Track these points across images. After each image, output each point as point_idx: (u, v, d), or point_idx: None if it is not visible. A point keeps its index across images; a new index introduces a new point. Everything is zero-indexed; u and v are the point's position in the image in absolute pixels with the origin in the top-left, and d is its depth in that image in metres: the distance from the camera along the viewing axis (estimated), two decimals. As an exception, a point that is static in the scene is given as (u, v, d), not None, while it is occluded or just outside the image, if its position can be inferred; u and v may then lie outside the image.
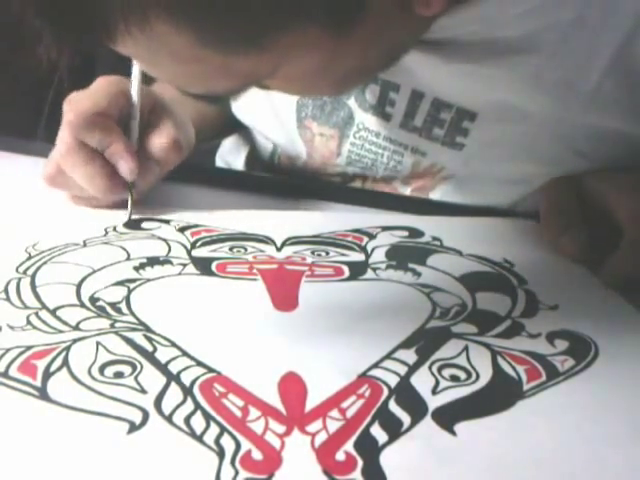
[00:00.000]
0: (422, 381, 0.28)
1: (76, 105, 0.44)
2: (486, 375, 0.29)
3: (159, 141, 0.45)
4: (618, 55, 0.43)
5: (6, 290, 0.33)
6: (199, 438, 0.24)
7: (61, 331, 0.30)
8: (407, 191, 0.54)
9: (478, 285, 0.38)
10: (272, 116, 0.57)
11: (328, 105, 0.53)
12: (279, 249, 0.41)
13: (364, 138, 0.52)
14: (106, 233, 0.41)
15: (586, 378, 0.30)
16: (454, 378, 0.29)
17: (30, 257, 0.37)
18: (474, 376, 0.29)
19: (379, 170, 0.53)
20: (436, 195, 0.53)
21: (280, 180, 0.57)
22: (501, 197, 0.51)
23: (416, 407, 0.27)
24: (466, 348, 0.31)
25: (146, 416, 0.25)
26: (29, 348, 0.29)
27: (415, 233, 0.45)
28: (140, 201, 0.46)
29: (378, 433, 0.25)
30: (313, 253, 0.41)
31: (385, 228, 0.45)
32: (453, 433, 0.25)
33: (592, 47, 0.43)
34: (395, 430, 0.25)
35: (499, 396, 0.28)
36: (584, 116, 0.46)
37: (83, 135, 0.43)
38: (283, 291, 0.36)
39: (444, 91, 0.48)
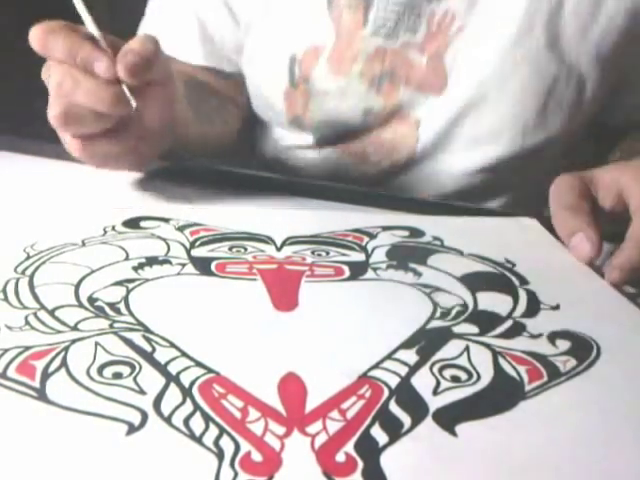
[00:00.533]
0: (423, 382, 0.28)
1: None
2: (487, 376, 0.29)
3: (131, 43, 0.43)
4: None
5: (4, 290, 0.33)
6: (198, 439, 0.24)
7: (60, 331, 0.30)
8: (424, 61, 0.60)
9: (479, 285, 0.38)
10: (298, 11, 0.62)
11: None
12: (279, 249, 0.41)
13: (387, 0, 0.59)
14: (105, 233, 0.41)
15: (588, 378, 0.30)
16: (455, 379, 0.29)
17: (29, 257, 0.37)
18: (475, 377, 0.29)
19: (399, 33, 0.59)
20: (450, 56, 0.59)
21: (280, 180, 0.57)
22: (506, 57, 0.57)
23: (417, 408, 0.27)
24: (467, 348, 0.31)
25: (145, 417, 0.25)
26: (27, 349, 0.28)
27: (416, 233, 0.45)
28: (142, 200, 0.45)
29: (378, 434, 0.25)
30: (313, 253, 0.41)
31: (385, 228, 0.45)
32: (454, 434, 0.25)
33: None
34: (396, 431, 0.25)
35: (501, 397, 0.28)
36: None
37: (50, 48, 0.42)
38: (283, 291, 0.36)
39: None
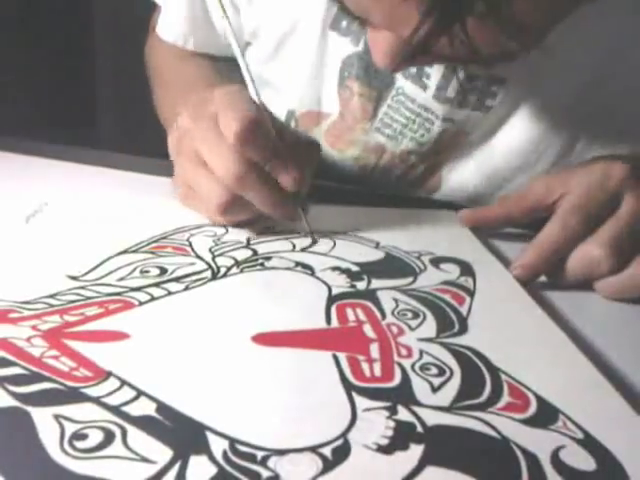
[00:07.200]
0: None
1: (236, 114, 0.39)
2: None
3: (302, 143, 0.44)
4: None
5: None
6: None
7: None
8: (421, 167, 0.58)
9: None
10: (307, 76, 0.59)
11: (372, 67, 0.55)
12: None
13: (401, 102, 0.56)
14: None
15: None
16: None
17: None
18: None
19: (405, 139, 0.57)
20: (447, 168, 0.58)
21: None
22: (508, 172, 0.56)
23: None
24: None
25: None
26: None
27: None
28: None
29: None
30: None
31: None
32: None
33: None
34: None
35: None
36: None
37: (253, 153, 0.40)
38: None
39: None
